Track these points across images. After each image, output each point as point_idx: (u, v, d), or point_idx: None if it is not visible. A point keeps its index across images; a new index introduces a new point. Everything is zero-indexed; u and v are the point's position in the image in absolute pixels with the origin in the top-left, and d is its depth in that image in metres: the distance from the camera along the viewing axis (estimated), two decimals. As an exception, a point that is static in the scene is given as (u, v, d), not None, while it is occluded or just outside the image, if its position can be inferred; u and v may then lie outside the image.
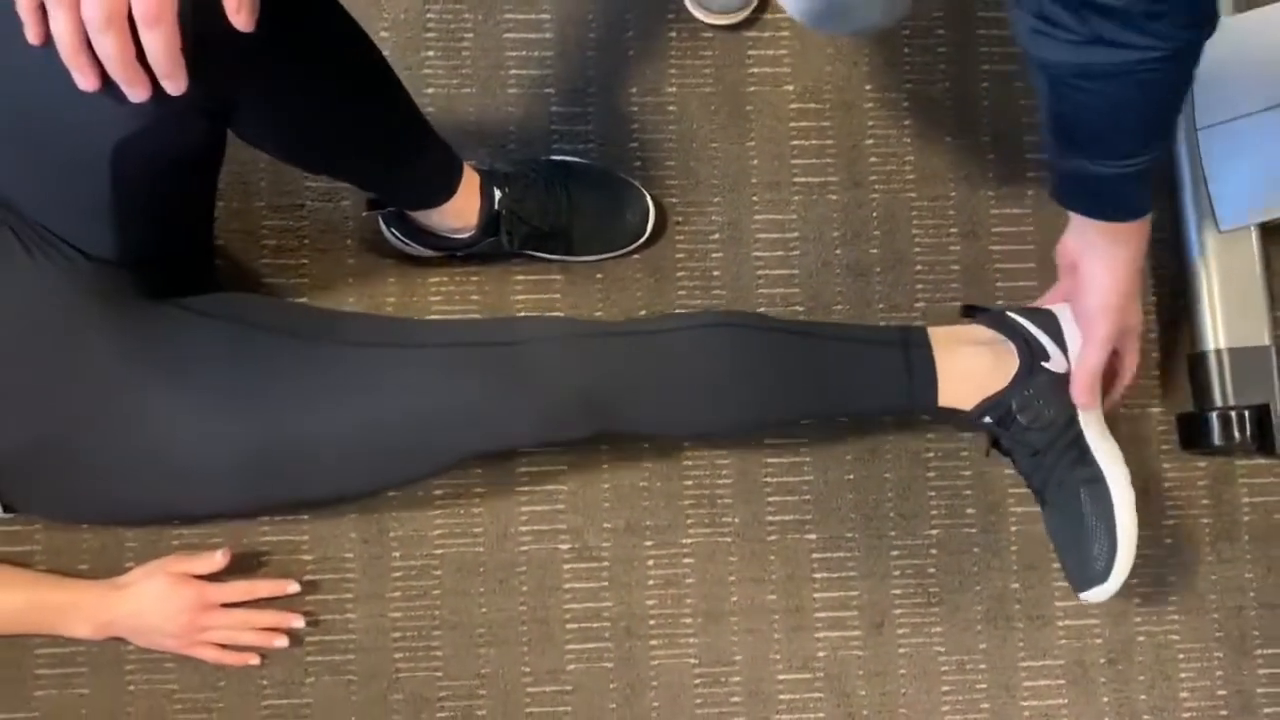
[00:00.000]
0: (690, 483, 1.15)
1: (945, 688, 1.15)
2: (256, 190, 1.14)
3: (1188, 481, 1.19)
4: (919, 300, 1.19)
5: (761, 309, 1.17)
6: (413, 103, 0.91)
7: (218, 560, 1.05)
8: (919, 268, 1.20)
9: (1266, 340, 1.15)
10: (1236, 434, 1.13)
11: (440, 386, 0.94)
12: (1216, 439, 1.14)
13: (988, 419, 1.01)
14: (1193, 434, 1.17)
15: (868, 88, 1.21)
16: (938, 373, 1.01)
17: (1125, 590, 1.01)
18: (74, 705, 1.08)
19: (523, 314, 1.14)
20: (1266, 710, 1.17)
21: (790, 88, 1.20)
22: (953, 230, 1.20)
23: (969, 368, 1.01)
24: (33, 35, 0.67)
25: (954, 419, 1.07)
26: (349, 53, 0.84)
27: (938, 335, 1.03)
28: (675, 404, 0.99)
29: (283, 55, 0.77)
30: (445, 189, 1.00)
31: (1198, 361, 1.16)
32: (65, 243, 0.87)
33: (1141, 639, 1.17)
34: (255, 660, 1.08)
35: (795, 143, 1.20)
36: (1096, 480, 0.99)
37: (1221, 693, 1.17)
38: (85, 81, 0.68)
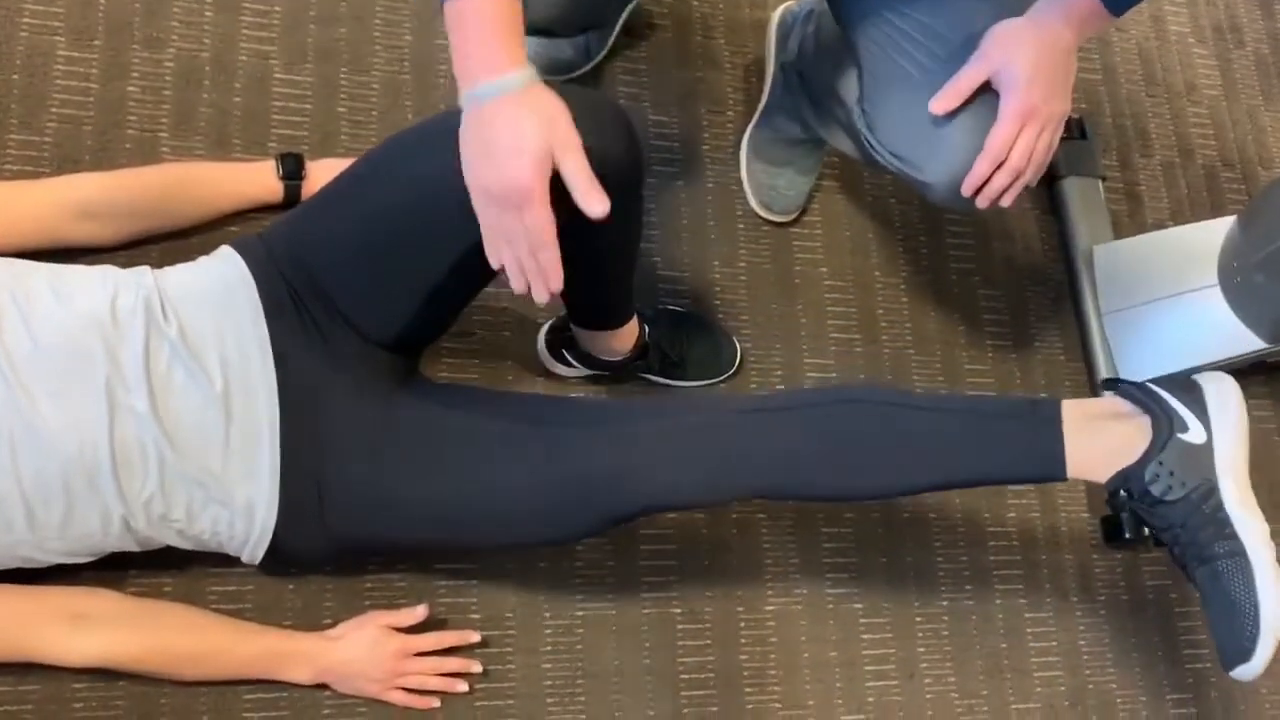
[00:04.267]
0: (770, 560, 1.47)
1: (960, 725, 1.48)
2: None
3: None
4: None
5: (811, 430, 1.54)
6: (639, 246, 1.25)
7: (419, 613, 1.26)
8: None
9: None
10: (1142, 530, 1.57)
11: (601, 455, 1.15)
12: (1129, 533, 1.57)
13: (1123, 492, 1.03)
14: (1111, 530, 1.60)
15: (876, 273, 1.65)
16: (1065, 444, 1.04)
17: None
18: None
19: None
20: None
21: (824, 269, 1.63)
22: (940, 378, 1.63)
23: (1101, 439, 1.04)
24: (517, 285, 0.97)
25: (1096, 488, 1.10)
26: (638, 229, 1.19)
27: (1070, 407, 1.06)
28: (812, 475, 1.11)
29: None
30: (628, 315, 1.33)
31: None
32: (348, 324, 1.15)
33: (1091, 687, 1.55)
34: (436, 704, 1.28)
35: (829, 309, 1.61)
36: (1238, 555, 0.98)
37: (1147, 727, 1.56)
38: (518, 285, 0.98)
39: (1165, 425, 1.02)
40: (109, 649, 1.13)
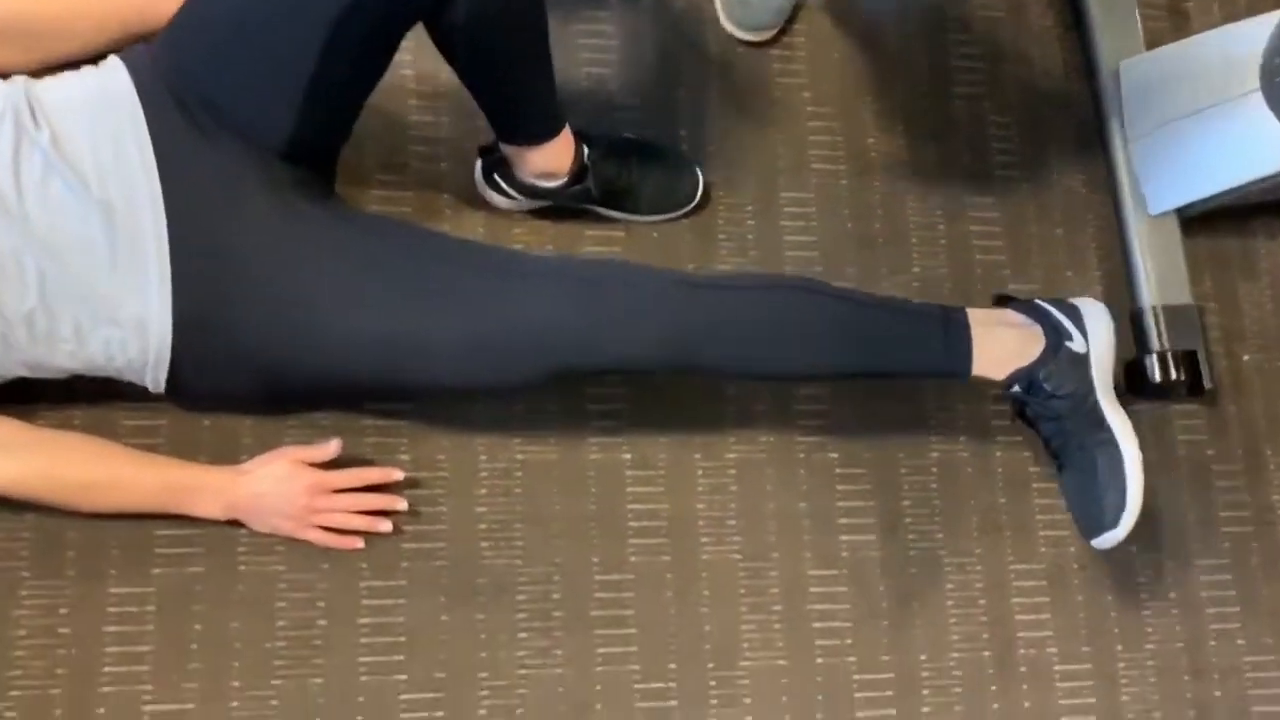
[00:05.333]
0: (733, 408, 1.34)
1: (949, 585, 1.34)
2: (371, 150, 1.32)
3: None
4: (914, 266, 1.44)
5: (788, 269, 1.40)
6: (548, 47, 1.14)
7: (332, 449, 1.18)
8: (913, 240, 1.45)
9: (1189, 299, 1.43)
10: (1172, 373, 1.39)
11: (544, 309, 1.12)
12: (1155, 377, 1.39)
13: (1016, 388, 1.19)
14: (1135, 377, 1.42)
15: (868, 99, 1.49)
16: (974, 346, 1.18)
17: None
18: (188, 583, 1.18)
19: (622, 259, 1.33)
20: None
21: (807, 94, 1.47)
22: (938, 212, 1.47)
23: (1002, 344, 1.19)
24: None
25: (987, 387, 1.22)
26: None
27: (975, 315, 1.20)
28: (749, 354, 1.17)
29: None
30: (554, 128, 1.22)
31: (1137, 316, 1.43)
32: (238, 132, 1.07)
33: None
34: (359, 544, 1.21)
35: (812, 138, 1.46)
36: (1110, 444, 1.17)
37: (1172, 595, 1.39)
38: None
39: (1055, 335, 1.19)
40: (5, 474, 1.09)
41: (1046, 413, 1.19)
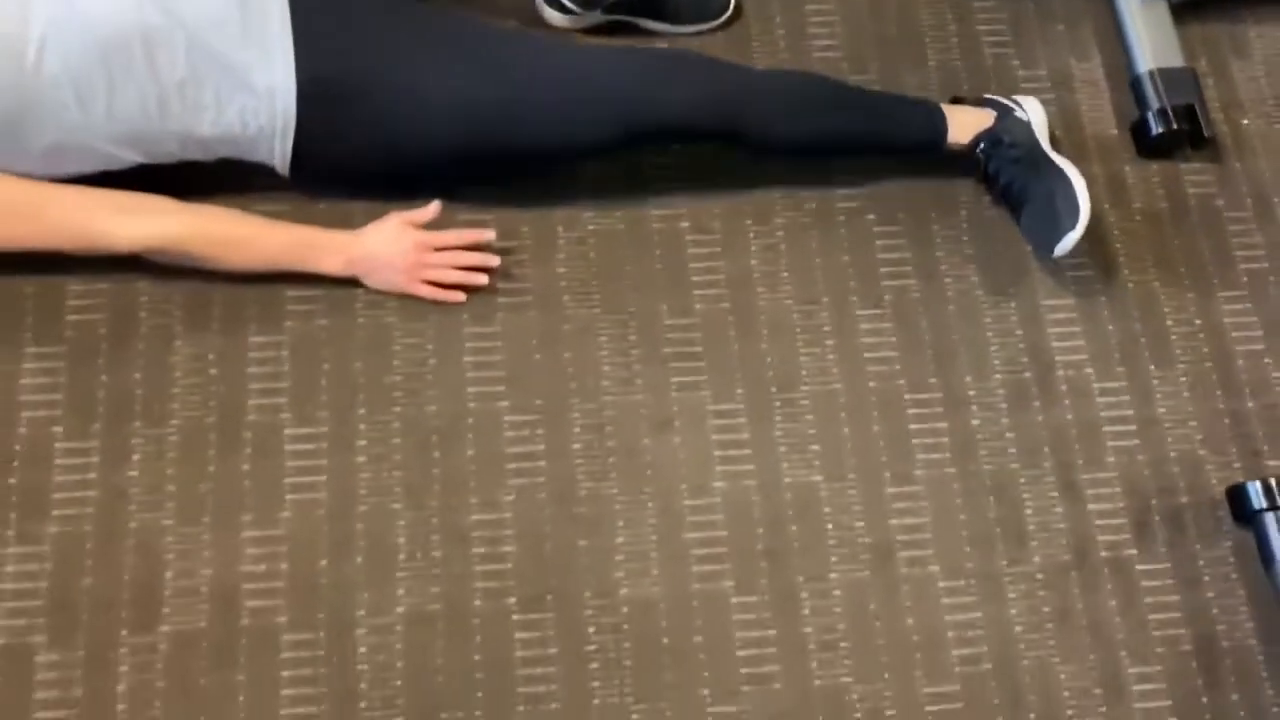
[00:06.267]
0: (779, 181, 1.51)
1: (987, 319, 1.48)
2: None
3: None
4: (930, 62, 1.61)
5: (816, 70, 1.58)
6: None
7: (433, 208, 1.38)
8: (927, 40, 1.63)
9: (1183, 62, 1.58)
10: (1173, 124, 1.54)
11: (606, 70, 1.36)
12: (1157, 129, 1.54)
13: (982, 145, 1.46)
14: (1141, 135, 1.57)
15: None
16: (947, 119, 1.47)
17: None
18: (315, 332, 1.37)
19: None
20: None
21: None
22: (948, 15, 1.64)
23: (966, 115, 1.49)
24: None
25: (958, 152, 1.48)
26: None
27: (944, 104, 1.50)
28: (777, 115, 1.43)
29: None
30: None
31: (1136, 83, 1.59)
32: None
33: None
34: (461, 298, 1.39)
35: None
36: (1060, 174, 1.42)
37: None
38: None
39: (1004, 108, 1.49)
40: (155, 229, 1.29)
41: (1008, 160, 1.45)
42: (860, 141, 1.49)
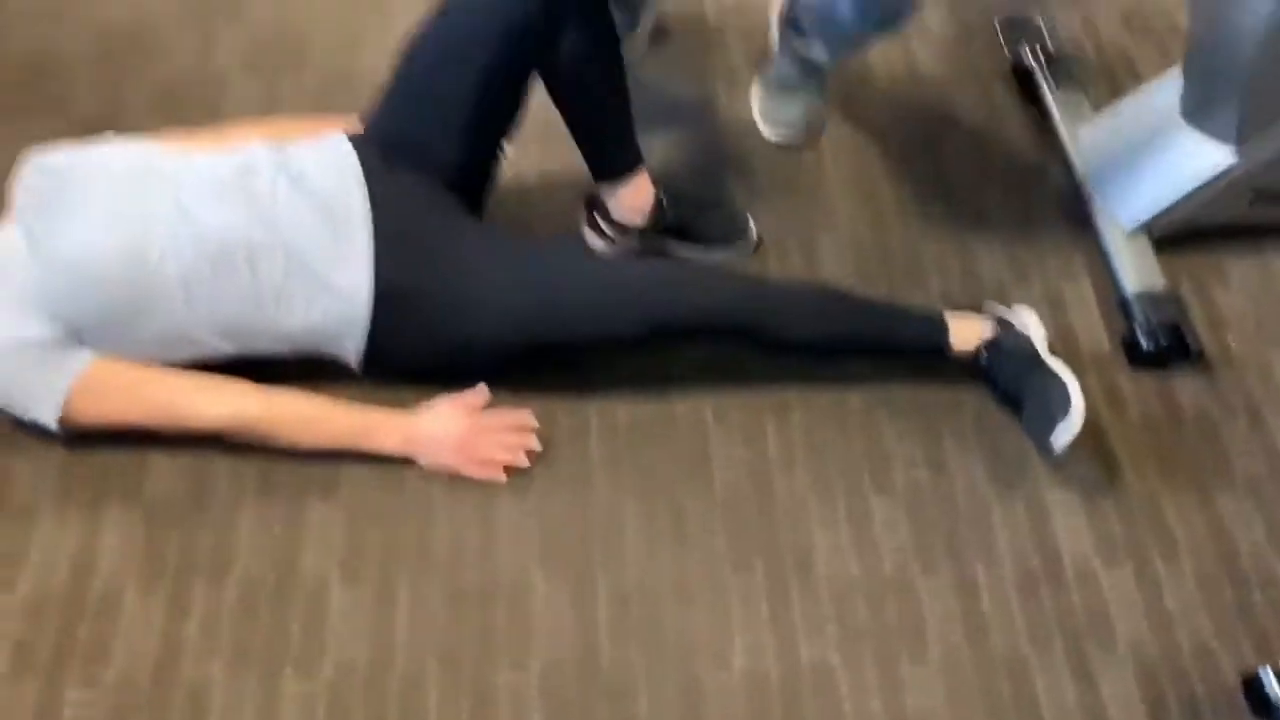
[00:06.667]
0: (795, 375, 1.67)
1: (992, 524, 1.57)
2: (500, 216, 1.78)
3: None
4: (931, 280, 1.79)
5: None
6: (626, 86, 1.62)
7: (483, 392, 1.55)
8: (928, 264, 1.82)
9: (1164, 284, 1.75)
10: (1161, 340, 1.68)
11: (639, 275, 1.57)
12: (1146, 345, 1.68)
13: (985, 354, 1.61)
14: (1132, 351, 1.71)
15: (879, 174, 1.92)
16: (950, 328, 1.62)
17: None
18: (369, 504, 1.49)
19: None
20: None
21: (831, 172, 1.91)
22: (948, 244, 1.84)
23: (968, 327, 1.63)
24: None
25: (961, 358, 1.63)
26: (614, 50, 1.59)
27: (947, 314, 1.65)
28: (792, 320, 1.58)
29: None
30: (637, 160, 1.67)
31: (1124, 304, 1.75)
32: (418, 161, 1.54)
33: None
34: (503, 476, 1.52)
35: (841, 201, 1.88)
36: (1055, 377, 1.56)
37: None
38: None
39: (1002, 320, 1.64)
40: (235, 408, 1.47)
41: (1007, 365, 1.59)
42: (869, 345, 1.64)
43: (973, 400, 1.67)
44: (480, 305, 1.50)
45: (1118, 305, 1.76)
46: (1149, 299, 1.73)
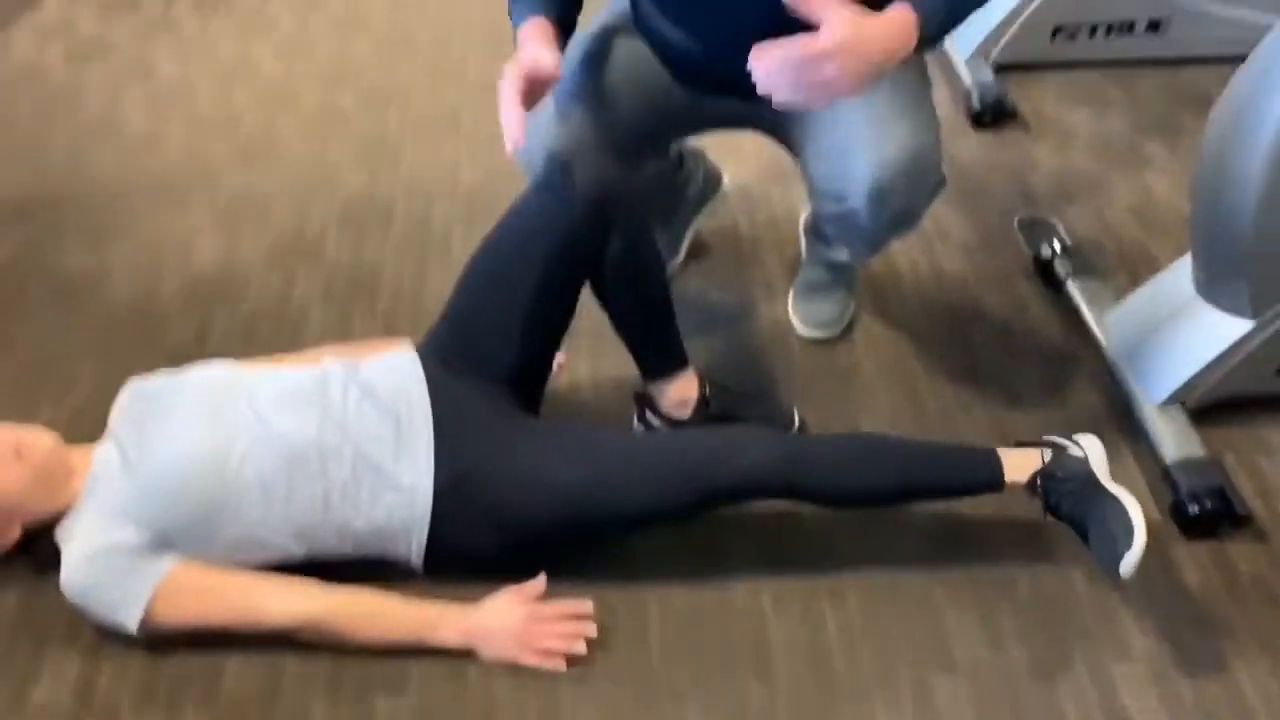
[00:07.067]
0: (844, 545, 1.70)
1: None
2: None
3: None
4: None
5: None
6: (669, 294, 1.76)
7: (540, 582, 1.60)
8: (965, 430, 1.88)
9: (1204, 452, 1.78)
10: (1206, 504, 1.70)
11: (683, 447, 1.63)
12: (1191, 509, 1.70)
13: (1040, 483, 1.59)
14: (1179, 514, 1.72)
15: (911, 364, 2.01)
16: (1003, 461, 1.62)
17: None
18: (434, 698, 1.52)
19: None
20: None
21: (865, 366, 2.01)
22: (981, 414, 1.90)
23: (1022, 457, 1.62)
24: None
25: (1017, 490, 1.62)
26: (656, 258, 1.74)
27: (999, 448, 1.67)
28: (841, 473, 1.61)
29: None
30: (682, 361, 1.78)
31: (1166, 471, 1.77)
32: (477, 368, 1.67)
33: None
34: (563, 665, 1.55)
35: (877, 397, 1.97)
36: (1116, 502, 1.55)
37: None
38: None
39: (1058, 446, 1.63)
40: (304, 606, 1.53)
41: (1065, 493, 1.57)
42: (924, 488, 1.64)
43: (1026, 575, 1.68)
44: (532, 483, 1.57)
45: (1161, 476, 1.79)
46: (1190, 465, 1.76)
